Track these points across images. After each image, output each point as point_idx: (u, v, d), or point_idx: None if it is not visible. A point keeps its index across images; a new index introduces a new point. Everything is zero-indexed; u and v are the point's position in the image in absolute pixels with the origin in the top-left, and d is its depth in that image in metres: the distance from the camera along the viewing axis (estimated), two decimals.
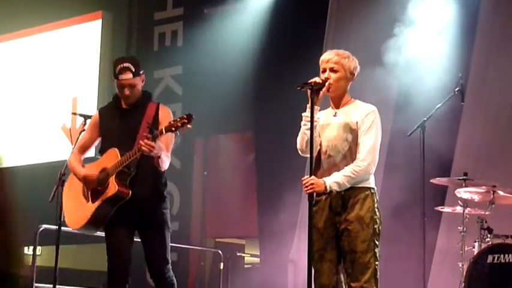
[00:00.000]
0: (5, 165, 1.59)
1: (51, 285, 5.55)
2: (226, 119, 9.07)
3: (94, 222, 4.77)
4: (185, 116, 4.46)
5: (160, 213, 4.75)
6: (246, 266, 10.36)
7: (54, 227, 5.32)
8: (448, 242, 6.67)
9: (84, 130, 5.04)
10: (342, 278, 4.24)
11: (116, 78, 4.76)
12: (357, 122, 4.24)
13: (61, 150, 8.93)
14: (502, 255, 5.65)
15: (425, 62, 7.16)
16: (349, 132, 4.23)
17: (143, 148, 4.46)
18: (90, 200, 4.77)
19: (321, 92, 4.18)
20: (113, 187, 4.65)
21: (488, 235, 5.85)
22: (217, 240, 9.81)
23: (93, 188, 4.77)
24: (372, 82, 6.63)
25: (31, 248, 7.29)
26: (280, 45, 8.47)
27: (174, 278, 4.79)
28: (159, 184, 4.79)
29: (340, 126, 4.27)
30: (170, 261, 4.79)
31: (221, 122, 9.17)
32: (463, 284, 5.74)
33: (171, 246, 4.87)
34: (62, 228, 5.15)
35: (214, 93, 8.89)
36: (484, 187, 5.89)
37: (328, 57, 4.31)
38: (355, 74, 4.33)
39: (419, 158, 6.16)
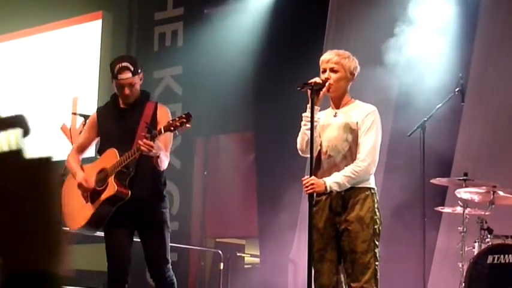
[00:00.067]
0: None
1: None
2: (226, 119, 9.06)
3: (94, 222, 4.77)
4: (184, 116, 4.45)
5: (159, 212, 4.75)
6: (246, 266, 10.33)
7: None
8: (448, 242, 6.66)
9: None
10: (342, 278, 4.24)
11: (115, 78, 4.73)
12: (357, 122, 4.23)
13: (61, 150, 8.92)
14: (502, 256, 5.64)
15: (425, 61, 7.14)
16: (350, 133, 4.23)
17: (142, 148, 4.45)
18: (89, 200, 4.77)
19: (321, 92, 4.18)
20: (112, 187, 4.65)
21: (488, 235, 5.84)
22: (217, 240, 9.79)
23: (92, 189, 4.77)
24: (372, 82, 6.61)
25: None
26: (280, 45, 8.45)
27: (174, 277, 4.79)
28: (158, 184, 4.78)
29: (340, 126, 4.26)
30: (170, 261, 4.79)
31: (221, 122, 9.16)
32: (463, 285, 5.73)
33: (171, 246, 4.87)
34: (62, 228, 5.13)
35: (214, 93, 8.87)
36: (484, 187, 5.88)
37: (328, 57, 4.31)
38: (355, 74, 4.32)
39: (419, 158, 6.15)
